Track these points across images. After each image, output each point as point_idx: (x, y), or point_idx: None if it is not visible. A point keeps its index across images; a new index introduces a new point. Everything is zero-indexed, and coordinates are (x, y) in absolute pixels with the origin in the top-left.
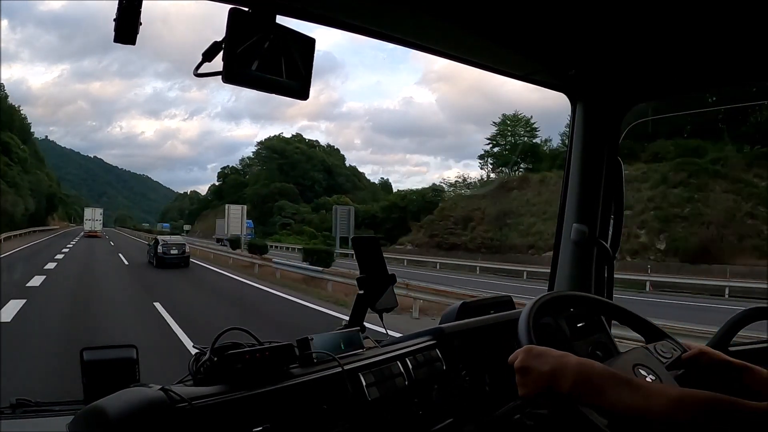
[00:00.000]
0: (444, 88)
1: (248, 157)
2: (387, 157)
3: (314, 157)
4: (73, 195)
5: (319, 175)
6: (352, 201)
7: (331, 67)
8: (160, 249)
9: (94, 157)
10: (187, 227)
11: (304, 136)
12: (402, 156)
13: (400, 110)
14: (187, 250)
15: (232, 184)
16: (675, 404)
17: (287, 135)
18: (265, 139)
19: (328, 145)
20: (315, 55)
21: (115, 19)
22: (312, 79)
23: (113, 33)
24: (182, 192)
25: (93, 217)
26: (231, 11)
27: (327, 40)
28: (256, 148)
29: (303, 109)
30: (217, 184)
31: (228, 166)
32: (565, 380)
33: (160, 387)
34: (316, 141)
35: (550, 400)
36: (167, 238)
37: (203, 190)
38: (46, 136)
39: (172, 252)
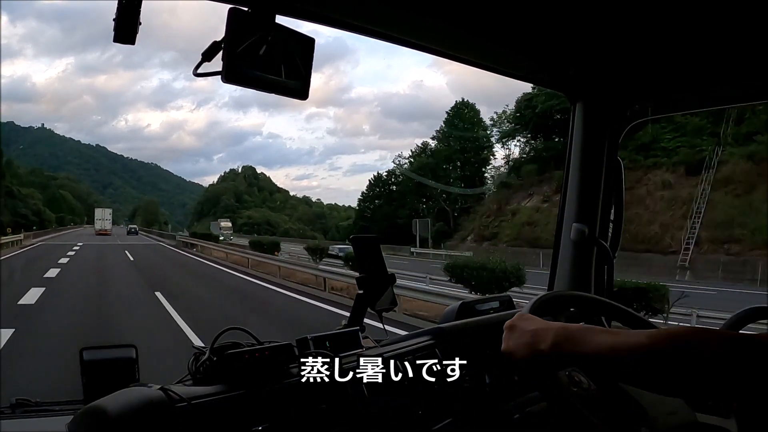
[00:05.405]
0: (457, 69)
1: None
2: (396, 142)
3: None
4: (61, 177)
5: None
6: None
7: (342, 53)
8: (127, 228)
9: (97, 145)
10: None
11: (308, 124)
12: (411, 140)
13: (411, 94)
14: (137, 228)
15: None
16: (653, 337)
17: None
18: None
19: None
20: (325, 41)
21: (114, 19)
22: (322, 66)
23: (113, 33)
24: (228, 170)
25: (103, 217)
26: (230, 11)
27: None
28: None
29: (311, 96)
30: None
31: None
32: (546, 339)
33: (159, 387)
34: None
35: (530, 359)
36: (130, 226)
37: (210, 180)
38: (42, 124)
39: (132, 230)
